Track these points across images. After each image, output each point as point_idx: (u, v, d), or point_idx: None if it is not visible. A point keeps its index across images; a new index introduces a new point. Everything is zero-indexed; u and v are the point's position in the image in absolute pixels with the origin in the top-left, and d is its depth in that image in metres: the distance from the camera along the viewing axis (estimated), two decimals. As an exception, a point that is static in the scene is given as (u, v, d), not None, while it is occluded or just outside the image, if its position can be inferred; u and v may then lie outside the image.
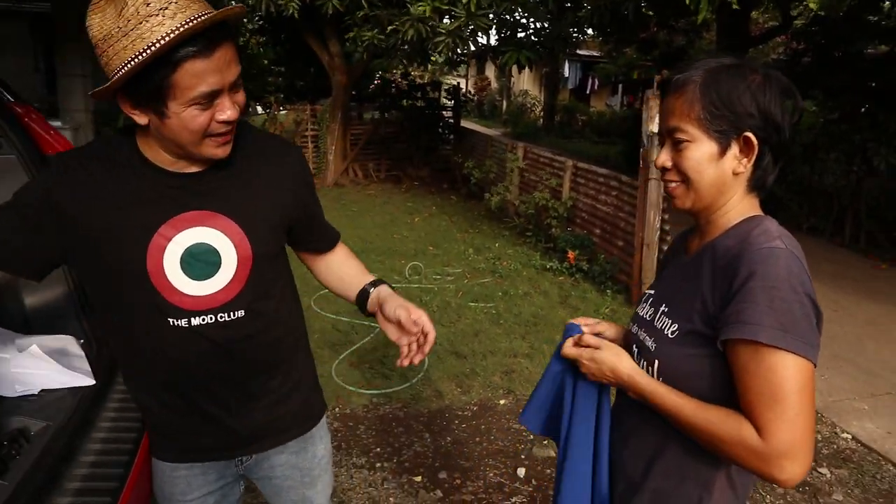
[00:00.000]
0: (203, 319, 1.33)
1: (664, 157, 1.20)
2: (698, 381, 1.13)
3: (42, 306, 2.02)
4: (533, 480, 3.15)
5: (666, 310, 1.22)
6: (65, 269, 1.99)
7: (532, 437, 3.53)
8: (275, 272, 1.48)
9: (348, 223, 8.26)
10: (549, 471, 3.23)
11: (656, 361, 1.19)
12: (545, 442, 3.46)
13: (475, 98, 26.03)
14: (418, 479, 3.10)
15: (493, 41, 9.17)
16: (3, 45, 9.64)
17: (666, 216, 5.41)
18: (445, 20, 7.03)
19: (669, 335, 1.18)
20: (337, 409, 3.70)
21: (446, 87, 14.31)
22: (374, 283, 1.61)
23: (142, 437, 1.58)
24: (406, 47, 7.57)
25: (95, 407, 1.65)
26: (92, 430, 1.57)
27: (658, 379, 1.19)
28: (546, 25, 8.24)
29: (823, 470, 3.42)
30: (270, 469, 1.59)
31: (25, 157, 2.00)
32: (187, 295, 1.31)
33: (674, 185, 1.21)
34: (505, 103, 24.85)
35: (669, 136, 1.19)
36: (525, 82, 23.70)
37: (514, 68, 8.19)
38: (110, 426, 1.60)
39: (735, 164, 1.15)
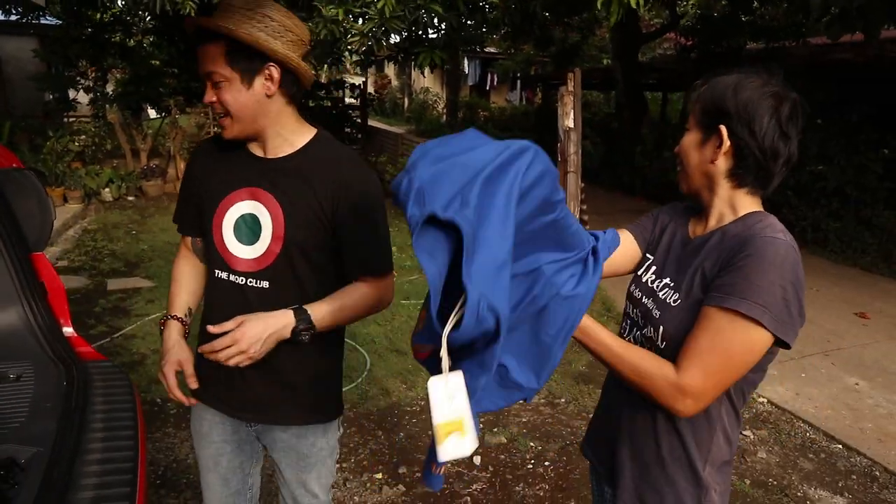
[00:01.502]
0: (239, 279, 1.62)
1: (678, 146, 1.38)
2: None
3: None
4: (490, 467, 3.25)
5: (669, 282, 1.35)
6: (21, 293, 1.91)
7: (482, 426, 3.64)
8: (309, 269, 1.60)
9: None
10: (503, 456, 3.35)
11: (661, 327, 1.31)
12: (495, 430, 3.58)
13: (377, 96, 25.94)
14: (379, 476, 3.13)
15: (403, 41, 9.17)
16: None
17: (584, 207, 5.66)
18: (358, 21, 7.00)
19: (672, 303, 1.32)
20: (285, 416, 3.66)
21: (349, 86, 14.21)
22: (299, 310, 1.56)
23: (138, 458, 1.55)
24: (317, 48, 7.48)
25: (82, 430, 1.59)
26: (85, 454, 1.52)
27: (661, 344, 1.30)
28: (454, 25, 8.35)
29: (747, 432, 3.72)
30: (272, 442, 1.76)
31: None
32: (233, 254, 1.61)
33: (678, 169, 1.39)
34: (407, 101, 24.92)
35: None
36: (426, 80, 23.85)
37: (420, 69, 8.25)
38: (102, 447, 1.56)
39: (711, 153, 1.30)
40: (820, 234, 7.95)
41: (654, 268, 1.44)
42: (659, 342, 1.31)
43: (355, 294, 1.62)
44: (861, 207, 7.79)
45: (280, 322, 1.50)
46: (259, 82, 1.52)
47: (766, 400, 4.13)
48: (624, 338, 1.43)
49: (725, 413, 1.33)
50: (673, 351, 1.25)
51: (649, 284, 1.41)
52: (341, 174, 1.60)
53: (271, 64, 1.51)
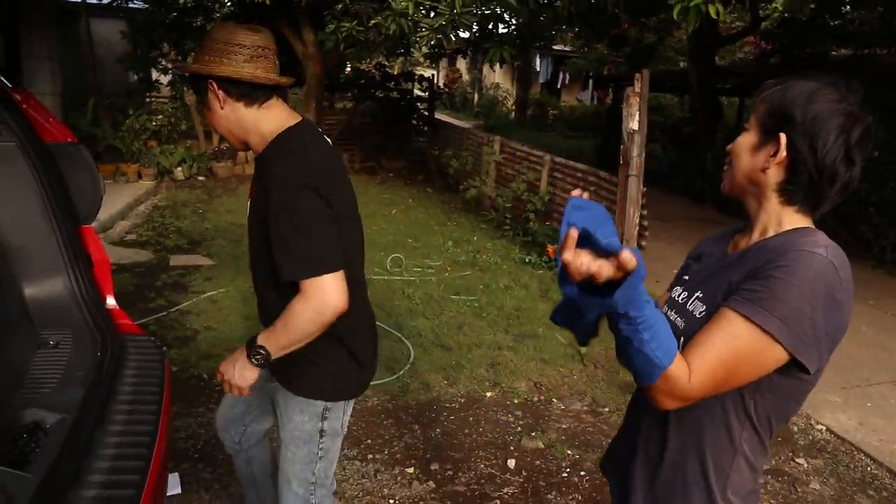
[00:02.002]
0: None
1: (731, 143, 1.31)
2: None
3: (43, 299, 1.98)
4: (523, 472, 3.19)
5: (700, 295, 1.28)
6: (68, 263, 1.96)
7: (520, 428, 3.58)
8: (263, 256, 1.67)
9: (325, 214, 8.20)
10: (538, 462, 3.28)
11: (682, 338, 1.24)
12: (533, 433, 3.51)
13: (447, 90, 25.99)
14: (411, 470, 3.12)
15: (474, 35, 9.14)
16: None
17: (644, 212, 5.50)
18: (429, 15, 7.00)
19: (697, 315, 1.25)
20: (325, 402, 3.69)
21: (417, 79, 14.25)
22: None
23: (157, 431, 1.57)
24: (387, 41, 7.53)
25: (108, 400, 1.63)
26: (108, 424, 1.55)
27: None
28: (525, 20, 8.27)
29: (801, 460, 3.53)
30: (276, 400, 1.93)
31: (25, 145, 1.96)
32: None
33: (725, 168, 1.32)
34: (477, 96, 24.87)
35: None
36: (497, 76, 23.75)
37: (490, 64, 8.21)
38: (125, 419, 1.59)
39: (763, 161, 1.21)
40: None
41: (686, 285, 1.36)
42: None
43: (290, 309, 1.58)
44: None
45: (237, 357, 1.66)
46: (212, 100, 1.67)
47: (824, 427, 3.90)
48: None
49: (747, 440, 1.24)
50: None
51: (679, 301, 1.33)
52: (272, 167, 1.62)
53: (209, 81, 1.63)
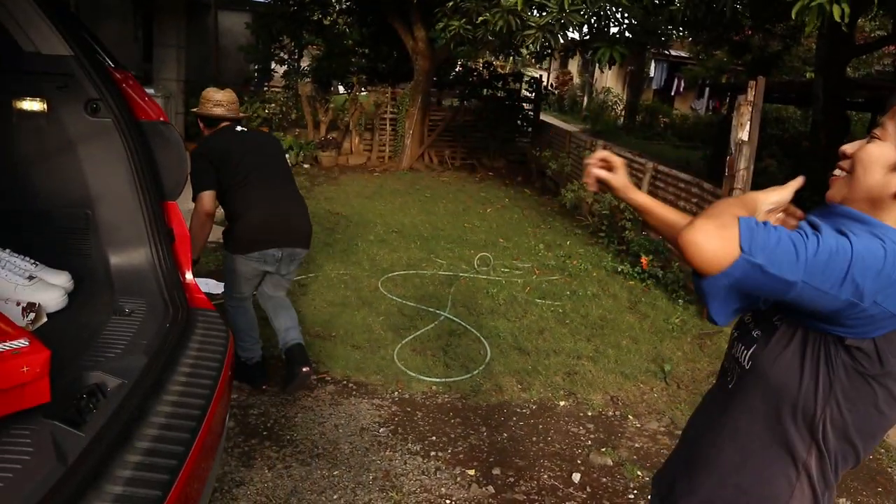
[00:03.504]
0: None
1: (849, 145, 1.18)
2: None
3: (125, 268, 2.09)
4: (588, 488, 3.07)
5: None
6: (151, 236, 2.05)
7: (590, 442, 3.45)
8: None
9: (420, 208, 8.29)
10: (604, 479, 3.15)
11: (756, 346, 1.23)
12: (603, 449, 3.38)
13: (556, 92, 25.69)
14: (472, 472, 3.07)
15: (584, 35, 8.96)
16: (106, 14, 10.07)
17: (749, 228, 5.19)
18: (537, 13, 6.91)
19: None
20: (396, 394, 3.71)
21: (527, 79, 14.14)
22: None
23: (209, 405, 1.61)
24: (494, 38, 7.50)
25: (168, 370, 1.69)
26: (163, 393, 1.60)
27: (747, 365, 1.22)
28: (636, 21, 8.01)
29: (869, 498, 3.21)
30: None
31: (121, 122, 2.06)
32: None
33: (837, 173, 1.19)
34: (586, 99, 24.43)
35: (871, 130, 1.15)
36: (608, 79, 23.22)
37: (600, 64, 7.99)
38: (180, 390, 1.64)
39: None
40: None
41: None
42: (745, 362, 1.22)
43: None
44: None
45: None
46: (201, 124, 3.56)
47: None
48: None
49: (815, 462, 1.13)
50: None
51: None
52: None
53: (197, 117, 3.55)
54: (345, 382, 3.77)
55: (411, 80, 11.44)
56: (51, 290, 1.87)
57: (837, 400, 1.08)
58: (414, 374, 3.93)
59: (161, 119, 2.16)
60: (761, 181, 5.19)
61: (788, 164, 11.38)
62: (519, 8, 6.64)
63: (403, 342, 4.34)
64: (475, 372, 4.05)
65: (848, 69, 11.22)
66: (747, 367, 1.20)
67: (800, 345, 1.12)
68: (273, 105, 11.17)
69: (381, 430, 3.32)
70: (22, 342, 1.30)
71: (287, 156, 10.19)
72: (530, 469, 3.17)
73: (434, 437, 3.33)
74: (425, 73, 11.00)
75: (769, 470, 1.16)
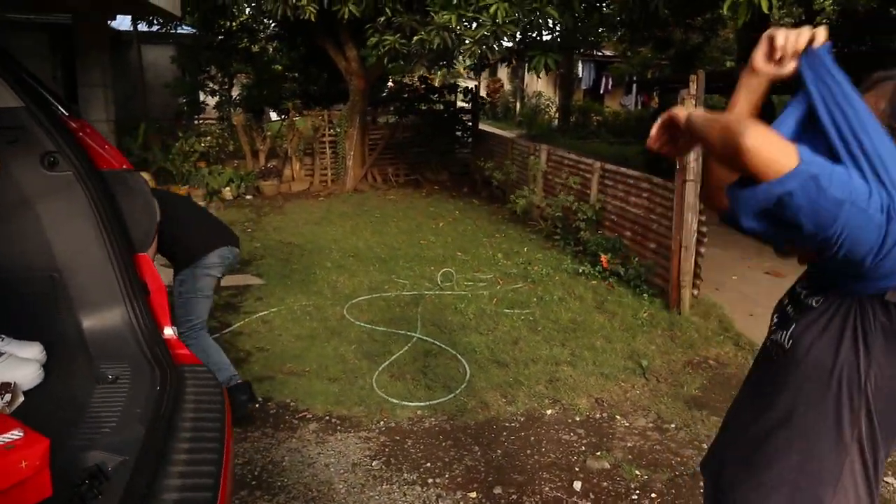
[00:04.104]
0: None
1: None
2: None
3: (101, 330, 1.95)
4: (591, 494, 3.04)
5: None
6: (125, 293, 1.92)
7: (584, 448, 3.43)
8: None
9: (372, 229, 8.19)
10: (605, 483, 3.13)
11: (793, 325, 1.26)
12: (598, 453, 3.36)
13: (489, 100, 25.92)
14: (473, 495, 3.00)
15: (517, 45, 9.05)
16: (23, 55, 9.65)
17: (703, 217, 5.30)
18: (471, 25, 6.94)
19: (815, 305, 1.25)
20: (382, 423, 3.61)
21: (462, 90, 14.21)
22: None
23: (221, 472, 1.50)
24: (430, 54, 7.49)
25: (169, 438, 1.57)
26: (169, 464, 1.48)
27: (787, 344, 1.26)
28: (567, 27, 8.14)
29: (889, 479, 3.29)
30: None
31: (82, 174, 1.93)
32: None
33: None
34: (519, 105, 24.74)
35: None
36: (539, 84, 23.58)
37: (535, 72, 8.08)
38: (187, 458, 1.52)
39: None
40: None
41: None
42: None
43: None
44: None
45: None
46: None
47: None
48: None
49: (865, 433, 1.16)
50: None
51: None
52: None
53: None
54: (327, 418, 3.64)
55: (345, 100, 11.34)
56: (23, 365, 1.72)
57: (880, 364, 1.10)
58: (397, 401, 3.84)
59: (124, 167, 2.03)
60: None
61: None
62: (453, 24, 6.66)
63: (380, 369, 4.24)
64: (458, 391, 3.98)
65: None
66: (787, 348, 1.23)
67: (839, 318, 1.15)
68: (209, 138, 10.88)
69: (374, 463, 3.22)
70: (15, 433, 1.18)
71: (228, 188, 10.00)
72: (531, 483, 3.12)
73: (429, 464, 3.24)
74: (361, 92, 10.91)
75: (819, 446, 1.18)
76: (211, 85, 12.75)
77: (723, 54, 17.60)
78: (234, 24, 11.07)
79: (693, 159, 5.05)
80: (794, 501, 1.19)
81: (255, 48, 12.65)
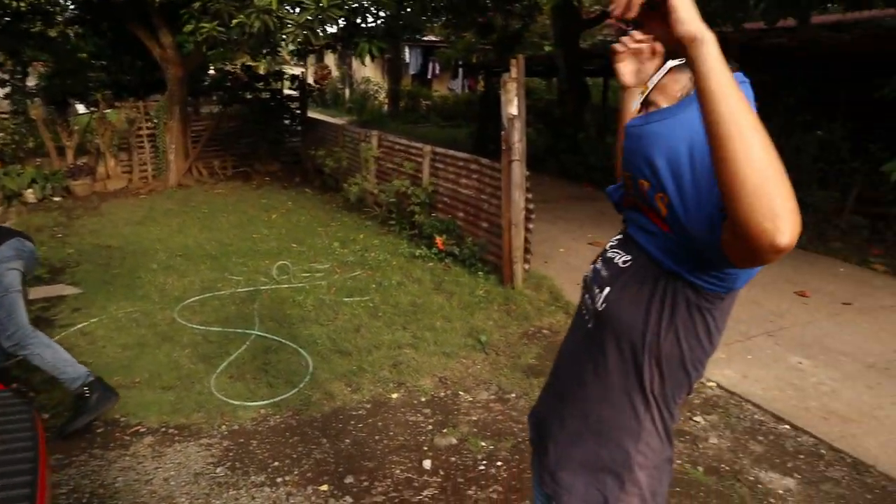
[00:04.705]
0: None
1: None
2: None
3: None
4: (440, 471, 3.13)
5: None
6: None
7: (431, 427, 3.52)
8: None
9: (201, 226, 7.78)
10: (453, 458, 3.23)
11: (606, 288, 1.38)
12: (445, 430, 3.47)
13: (317, 87, 25.45)
14: (324, 487, 2.98)
15: (342, 31, 8.94)
16: None
17: (529, 195, 5.58)
18: (293, 9, 6.75)
19: (621, 265, 1.37)
20: (224, 427, 3.46)
21: (288, 77, 13.81)
22: None
23: (36, 496, 1.37)
24: (251, 39, 7.20)
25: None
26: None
27: None
28: (393, 13, 8.18)
29: (698, 418, 3.71)
30: None
31: None
32: None
33: None
34: (348, 91, 24.52)
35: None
36: (367, 69, 23.50)
37: (360, 59, 8.05)
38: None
39: None
40: (759, 215, 8.07)
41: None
42: None
43: None
44: (798, 188, 7.95)
45: None
46: None
47: (715, 384, 4.12)
48: None
49: (660, 391, 1.30)
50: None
51: (608, 256, 1.49)
52: None
53: None
54: (163, 430, 3.44)
55: (163, 90, 10.61)
56: None
57: (677, 332, 1.23)
58: (238, 403, 3.70)
59: None
60: (527, 149, 5.59)
61: (545, 130, 12.41)
62: (274, 7, 6.45)
63: (218, 371, 4.07)
64: (301, 385, 3.92)
65: (580, 42, 12.47)
66: (601, 310, 1.32)
67: (649, 284, 1.25)
68: (2, 134, 9.72)
69: (218, 469, 3.09)
70: None
71: (31, 190, 9.01)
72: (381, 468, 3.15)
73: (276, 463, 3.17)
74: (179, 82, 10.26)
75: (625, 400, 1.30)
76: (-1, 74, 11.37)
77: (541, 39, 18.55)
78: (21, 4, 9.88)
79: (517, 140, 5.29)
80: (601, 449, 1.31)
81: (53, 32, 11.42)
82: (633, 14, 1.01)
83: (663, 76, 1.26)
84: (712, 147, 0.94)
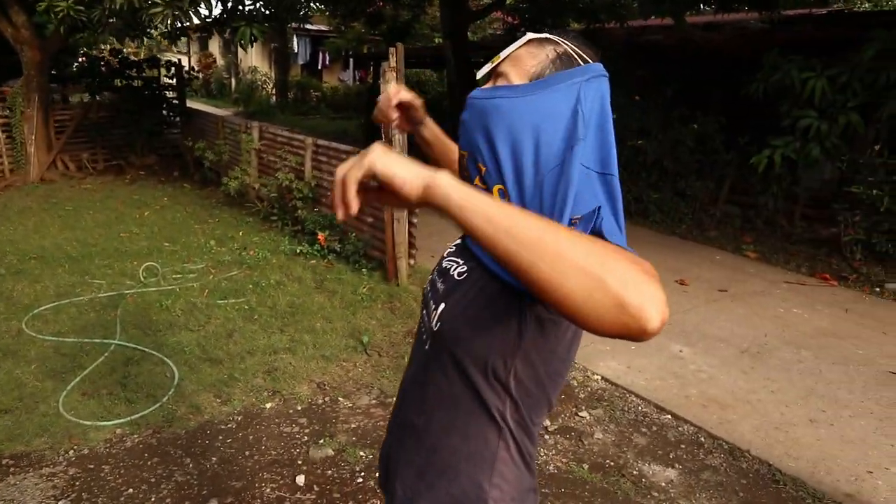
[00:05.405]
0: None
1: None
2: None
3: None
4: (315, 486, 2.93)
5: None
6: None
7: (306, 438, 3.30)
8: None
9: (62, 224, 7.12)
10: (329, 472, 3.04)
11: (441, 304, 1.21)
12: (320, 441, 3.26)
13: (200, 76, 24.26)
14: (183, 514, 2.71)
15: (217, 13, 8.43)
16: None
17: (414, 189, 5.43)
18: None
19: (457, 277, 1.21)
20: (71, 453, 3.10)
21: (164, 65, 12.99)
22: None
23: None
24: (114, 20, 6.63)
25: None
26: None
27: None
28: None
29: (583, 413, 3.69)
30: None
31: None
32: None
33: None
34: (234, 81, 23.53)
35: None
36: (253, 59, 22.62)
37: (241, 44, 7.62)
38: None
39: None
40: (642, 205, 8.33)
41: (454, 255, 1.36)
42: None
43: None
44: (677, 179, 8.27)
45: None
46: None
47: (600, 377, 4.13)
48: None
49: (512, 413, 1.14)
50: None
51: (444, 266, 1.33)
52: None
53: None
54: (-4, 459, 3.04)
55: (19, 75, 9.68)
56: None
57: (527, 352, 1.06)
58: (90, 423, 3.33)
59: None
60: (412, 141, 5.45)
61: (435, 121, 12.30)
62: (137, -15, 5.95)
63: (69, 388, 3.66)
64: (164, 399, 3.59)
65: (469, 34, 12.44)
66: (436, 329, 1.14)
67: (489, 299, 1.07)
68: None
69: (61, 503, 2.75)
70: None
71: None
72: (250, 487, 2.91)
73: (131, 490, 2.86)
74: (37, 66, 9.38)
75: (474, 427, 1.13)
76: None
77: (432, 31, 18.46)
78: None
79: (399, 132, 5.12)
80: (452, 485, 1.14)
81: None
82: (355, 210, 0.89)
83: (519, 47, 1.12)
84: (521, 282, 0.78)
